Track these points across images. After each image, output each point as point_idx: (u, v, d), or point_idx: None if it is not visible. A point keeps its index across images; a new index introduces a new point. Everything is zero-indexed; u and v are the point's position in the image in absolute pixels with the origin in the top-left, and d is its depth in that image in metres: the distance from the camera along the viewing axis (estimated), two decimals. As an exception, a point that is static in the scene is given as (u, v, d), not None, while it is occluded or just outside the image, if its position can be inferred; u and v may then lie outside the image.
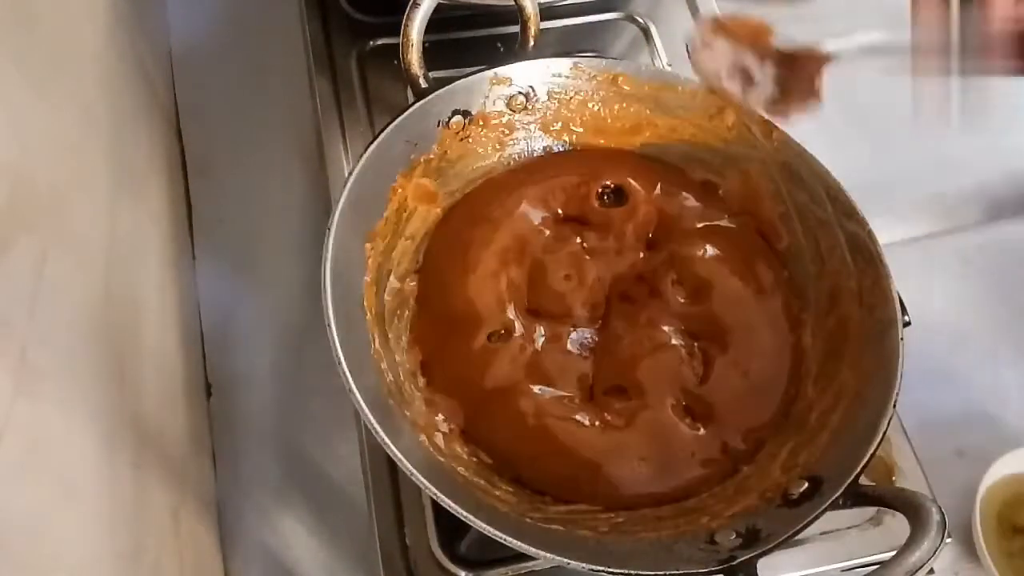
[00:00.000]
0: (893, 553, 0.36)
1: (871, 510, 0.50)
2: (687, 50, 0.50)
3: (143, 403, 0.49)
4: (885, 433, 0.41)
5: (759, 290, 0.51)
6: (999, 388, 0.64)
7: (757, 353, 0.49)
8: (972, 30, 0.38)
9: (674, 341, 0.49)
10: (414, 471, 0.38)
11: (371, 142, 0.47)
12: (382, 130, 0.48)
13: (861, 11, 0.79)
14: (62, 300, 0.41)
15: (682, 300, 0.50)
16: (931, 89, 0.39)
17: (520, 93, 0.53)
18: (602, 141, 0.55)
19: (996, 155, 0.74)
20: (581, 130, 0.55)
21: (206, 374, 0.63)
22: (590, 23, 0.70)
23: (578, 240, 0.52)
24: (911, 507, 0.37)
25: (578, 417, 0.46)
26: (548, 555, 0.37)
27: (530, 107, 0.54)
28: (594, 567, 0.37)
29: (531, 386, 0.47)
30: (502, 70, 0.52)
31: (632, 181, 0.53)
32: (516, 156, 0.55)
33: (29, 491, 0.35)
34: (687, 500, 0.45)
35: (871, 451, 0.40)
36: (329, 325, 0.41)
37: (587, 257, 0.52)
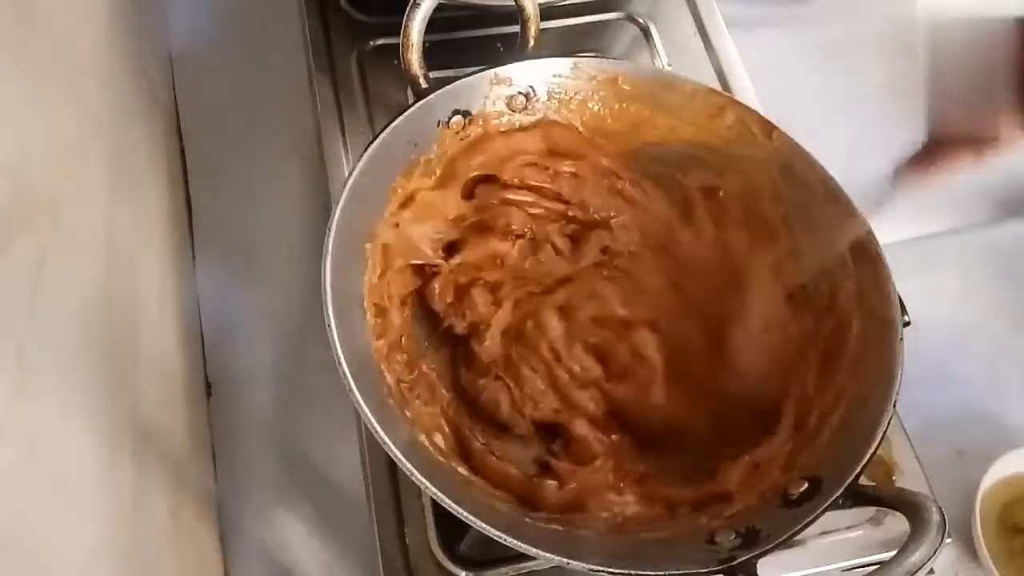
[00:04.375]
0: (893, 553, 0.36)
1: (871, 510, 0.50)
2: None
3: (143, 403, 0.49)
4: (885, 433, 0.41)
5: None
6: (999, 388, 0.64)
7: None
8: None
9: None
10: (414, 471, 0.38)
11: (371, 142, 0.47)
12: (382, 130, 0.48)
13: (860, 10, 0.79)
14: (61, 300, 0.41)
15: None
16: None
17: (520, 93, 0.53)
18: (602, 141, 0.55)
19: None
20: (581, 130, 0.55)
21: (206, 374, 0.63)
22: (590, 23, 0.70)
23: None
24: (911, 507, 0.37)
25: None
26: (548, 555, 0.37)
27: (530, 107, 0.54)
28: (594, 567, 0.37)
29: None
30: (502, 70, 0.52)
31: None
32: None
33: (29, 491, 0.35)
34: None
35: (871, 451, 0.40)
36: (329, 325, 0.41)
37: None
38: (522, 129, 0.53)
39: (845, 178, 0.49)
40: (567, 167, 0.54)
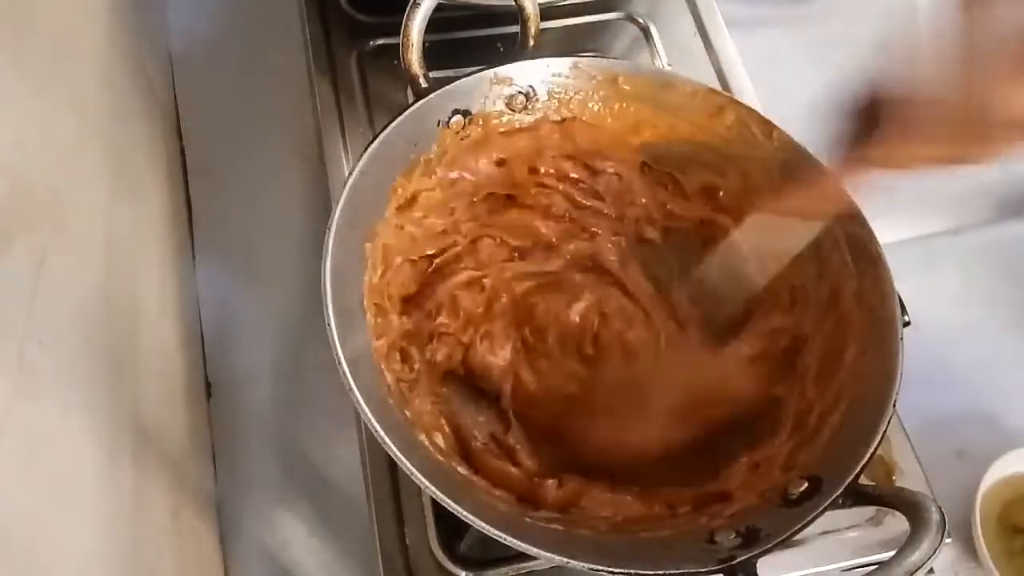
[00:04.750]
0: (893, 553, 0.36)
1: (871, 510, 0.50)
2: None
3: (143, 403, 0.49)
4: (885, 433, 0.41)
5: None
6: (999, 388, 0.64)
7: None
8: None
9: None
10: (414, 471, 0.38)
11: (371, 142, 0.47)
12: (382, 130, 0.48)
13: (859, 11, 0.79)
14: (61, 300, 0.41)
15: None
16: None
17: (520, 93, 0.53)
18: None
19: (996, 155, 0.74)
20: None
21: (206, 374, 0.63)
22: (590, 23, 0.70)
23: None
24: (911, 507, 0.37)
25: None
26: (548, 555, 0.37)
27: (530, 107, 0.54)
28: (594, 567, 0.37)
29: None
30: (502, 70, 0.52)
31: None
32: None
33: (29, 491, 0.35)
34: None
35: (871, 451, 0.40)
36: (329, 325, 0.41)
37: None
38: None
39: (845, 178, 0.49)
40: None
